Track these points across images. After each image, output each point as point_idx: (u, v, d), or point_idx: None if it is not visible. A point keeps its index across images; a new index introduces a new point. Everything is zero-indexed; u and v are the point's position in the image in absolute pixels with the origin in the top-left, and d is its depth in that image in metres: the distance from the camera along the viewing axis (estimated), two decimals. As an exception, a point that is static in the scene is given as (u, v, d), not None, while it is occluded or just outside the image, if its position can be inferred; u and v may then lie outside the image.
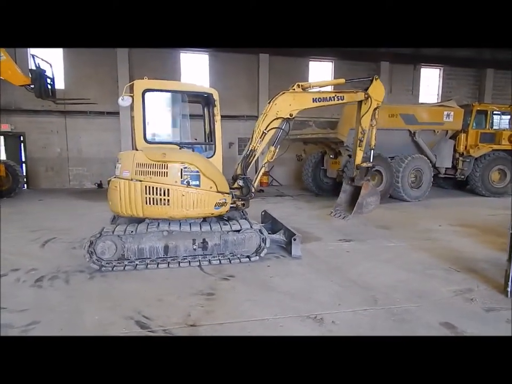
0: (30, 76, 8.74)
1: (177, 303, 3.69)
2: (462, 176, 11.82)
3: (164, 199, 4.68)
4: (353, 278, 4.40)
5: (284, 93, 5.60)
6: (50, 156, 14.06)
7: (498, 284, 4.07)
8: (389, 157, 10.43)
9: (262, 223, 6.14)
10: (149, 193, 4.64)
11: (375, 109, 6.52)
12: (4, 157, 12.78)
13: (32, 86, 8.73)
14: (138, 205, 4.66)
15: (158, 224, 4.81)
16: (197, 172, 4.80)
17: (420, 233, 6.70)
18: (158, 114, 5.32)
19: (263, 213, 6.79)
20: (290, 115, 5.60)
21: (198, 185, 4.82)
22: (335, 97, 6.00)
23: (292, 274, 4.57)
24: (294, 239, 5.17)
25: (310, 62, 15.74)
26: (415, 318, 3.38)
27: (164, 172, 4.68)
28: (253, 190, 5.51)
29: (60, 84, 12.20)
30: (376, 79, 6.45)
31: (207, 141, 5.87)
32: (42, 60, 8.94)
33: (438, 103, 13.84)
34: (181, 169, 4.73)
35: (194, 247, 4.90)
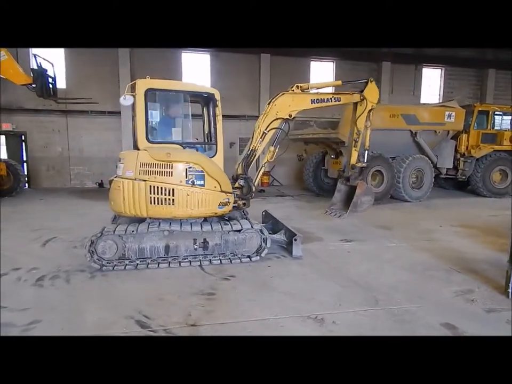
0: (32, 75, 8.75)
1: (177, 302, 3.69)
2: (463, 177, 11.80)
3: (169, 199, 4.69)
4: (354, 278, 4.40)
5: (283, 94, 5.69)
6: (52, 155, 14.07)
7: (499, 284, 4.07)
8: (390, 157, 10.42)
9: (262, 223, 6.14)
10: (154, 193, 4.65)
11: (370, 110, 6.69)
12: (5, 156, 12.79)
13: (33, 85, 8.74)
14: (142, 205, 4.66)
15: (159, 224, 4.81)
16: (202, 171, 4.83)
17: (420, 233, 6.70)
18: (160, 113, 5.32)
19: (263, 213, 6.80)
20: (290, 115, 5.68)
21: (203, 185, 4.84)
22: (332, 98, 6.14)
23: (293, 274, 4.57)
24: (295, 239, 5.17)
25: (311, 62, 15.73)
26: (416, 318, 3.38)
27: (169, 172, 4.69)
28: (254, 189, 5.53)
29: (61, 83, 12.21)
30: (371, 81, 6.69)
31: (206, 140, 5.88)
32: (44, 59, 8.96)
33: (439, 103, 13.82)
34: (186, 169, 4.75)
35: (195, 246, 4.90)
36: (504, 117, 12.12)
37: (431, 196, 11.04)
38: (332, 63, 15.96)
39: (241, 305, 3.66)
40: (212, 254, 4.97)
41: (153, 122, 5.17)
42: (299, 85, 5.86)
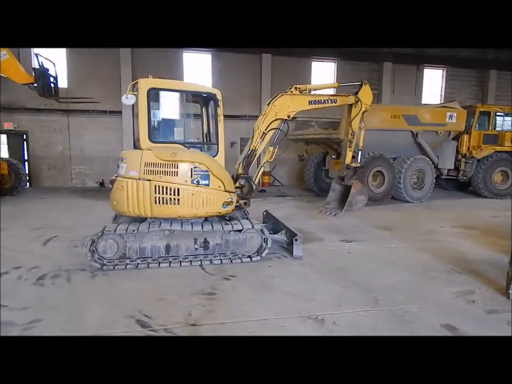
0: (33, 74, 8.77)
1: (178, 302, 3.70)
2: (465, 178, 11.79)
3: (174, 199, 4.70)
4: (355, 279, 4.40)
5: (282, 95, 5.84)
6: (53, 154, 14.10)
7: (499, 286, 4.06)
8: (391, 158, 10.41)
9: (263, 223, 6.14)
10: (159, 193, 4.65)
11: (364, 112, 6.96)
12: (6, 155, 12.81)
13: (35, 85, 8.76)
14: (146, 205, 4.66)
15: (160, 224, 4.82)
16: (206, 171, 4.85)
17: (421, 234, 6.69)
18: (162, 113, 5.32)
19: (264, 213, 6.80)
20: (288, 116, 5.81)
21: (208, 185, 4.87)
22: (329, 100, 6.38)
23: (293, 274, 4.56)
24: (296, 240, 5.17)
25: (313, 63, 15.72)
26: (416, 319, 3.37)
27: (174, 172, 4.70)
28: (254, 188, 5.58)
29: (62, 83, 12.22)
30: (365, 84, 6.94)
31: (205, 140, 5.89)
32: (45, 58, 8.98)
33: (440, 104, 13.81)
34: (191, 169, 4.77)
35: (196, 246, 4.90)
36: (506, 118, 12.10)
37: (432, 197, 11.03)
38: (333, 63, 15.96)
39: (241, 305, 3.66)
40: (212, 254, 4.97)
41: (156, 122, 5.16)
42: (297, 86, 6.03)
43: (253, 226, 5.06)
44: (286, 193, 12.69)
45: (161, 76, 4.92)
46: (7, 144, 13.73)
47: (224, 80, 14.56)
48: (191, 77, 14.55)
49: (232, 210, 5.28)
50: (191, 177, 4.77)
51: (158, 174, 4.66)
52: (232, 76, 14.84)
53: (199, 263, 4.82)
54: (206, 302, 3.72)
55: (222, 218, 5.36)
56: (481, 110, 11.72)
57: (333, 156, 11.24)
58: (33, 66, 9.32)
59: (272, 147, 5.77)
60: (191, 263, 4.79)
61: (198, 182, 4.79)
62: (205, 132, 5.94)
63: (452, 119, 10.83)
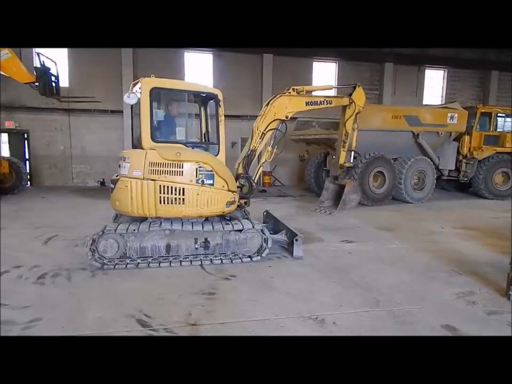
0: (35, 73, 8.77)
1: (178, 302, 3.70)
2: (465, 179, 11.77)
3: (179, 198, 4.70)
4: (355, 279, 4.40)
5: (280, 96, 6.00)
6: (54, 153, 14.11)
7: (500, 287, 4.06)
8: (392, 158, 10.40)
9: (263, 223, 6.14)
10: (163, 193, 4.66)
11: (357, 113, 7.25)
12: (7, 154, 12.83)
13: (36, 84, 8.76)
14: (151, 205, 4.65)
15: (160, 223, 4.82)
16: (211, 171, 4.87)
17: (422, 235, 6.69)
18: (164, 112, 5.31)
19: (265, 213, 6.80)
20: (286, 117, 5.96)
21: (212, 184, 4.89)
22: (325, 101, 6.61)
23: (294, 274, 4.56)
24: (296, 240, 5.17)
25: (314, 63, 15.72)
26: (417, 320, 3.37)
27: (179, 171, 4.71)
28: (254, 188, 5.66)
29: (64, 82, 12.22)
30: (358, 86, 7.22)
31: (203, 140, 5.90)
32: (47, 57, 8.98)
33: (442, 104, 13.80)
34: (196, 169, 4.78)
35: (196, 246, 4.91)
36: (507, 119, 12.07)
37: (433, 198, 11.02)
38: (335, 63, 15.94)
39: (241, 305, 3.66)
40: (213, 254, 4.97)
41: (158, 122, 5.15)
42: (295, 87, 6.20)
43: (253, 226, 5.06)
44: (286, 194, 12.69)
45: (163, 75, 4.92)
46: (8, 143, 13.75)
47: (225, 80, 14.56)
48: (192, 77, 14.56)
49: (234, 209, 5.31)
50: (196, 177, 4.78)
51: (163, 173, 4.66)
52: (233, 75, 14.84)
53: (200, 262, 4.82)
54: (206, 301, 3.72)
55: (222, 218, 5.36)
56: (483, 111, 11.70)
57: (334, 156, 11.22)
58: (34, 66, 9.33)
59: (270, 147, 5.84)
60: (191, 262, 4.80)
61: (202, 181, 4.81)
62: (203, 132, 5.95)
63: (453, 120, 10.82)
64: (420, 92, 16.88)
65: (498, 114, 11.90)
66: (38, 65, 8.85)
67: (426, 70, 16.83)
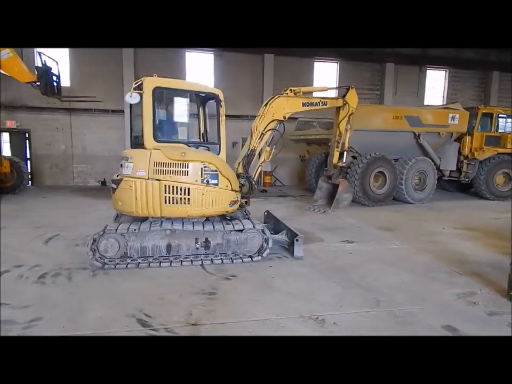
0: (36, 73, 8.78)
1: (179, 301, 3.70)
2: (467, 179, 11.76)
3: (184, 198, 4.72)
4: (356, 280, 4.40)
5: (278, 97, 6.15)
6: (55, 153, 14.13)
7: (501, 287, 4.05)
8: (393, 159, 10.39)
9: (264, 223, 6.15)
10: (169, 193, 4.67)
11: (350, 114, 7.51)
12: (9, 154, 12.84)
13: (38, 83, 8.77)
14: (156, 205, 4.66)
15: (161, 223, 4.83)
16: (216, 171, 4.90)
17: (423, 235, 6.68)
18: (166, 112, 5.31)
19: (265, 213, 6.81)
20: (284, 117, 6.07)
21: (217, 184, 4.92)
22: (320, 102, 6.80)
23: (294, 274, 4.56)
24: (297, 240, 5.17)
25: (315, 63, 15.71)
26: (417, 320, 3.37)
27: (185, 171, 4.72)
28: (255, 186, 5.74)
29: (65, 82, 12.25)
30: (351, 88, 7.47)
31: (201, 140, 5.91)
32: (48, 57, 8.99)
33: (443, 105, 13.79)
34: (201, 168, 4.80)
35: (197, 246, 4.91)
36: (508, 120, 12.06)
37: (434, 198, 11.01)
38: (336, 64, 15.94)
39: (242, 305, 3.66)
40: (213, 254, 4.97)
41: (160, 121, 5.14)
42: (292, 88, 6.36)
43: (254, 226, 5.06)
44: (287, 194, 12.69)
45: (164, 75, 4.91)
46: (10, 142, 13.78)
47: (226, 80, 14.57)
48: (193, 76, 14.56)
49: (236, 208, 5.34)
50: (201, 176, 4.81)
51: (168, 173, 4.67)
52: (234, 75, 14.84)
53: (200, 262, 4.82)
54: (207, 301, 3.72)
55: (223, 218, 5.36)
56: (484, 111, 11.69)
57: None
58: (36, 65, 9.33)
59: (269, 147, 5.92)
60: (192, 262, 4.80)
61: (207, 181, 4.84)
62: (201, 132, 5.95)
63: (454, 120, 10.81)
64: (421, 92, 16.86)
65: (500, 115, 11.88)
66: (40, 65, 8.86)
67: (427, 71, 16.82)
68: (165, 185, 4.65)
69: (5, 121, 13.23)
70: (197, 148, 5.16)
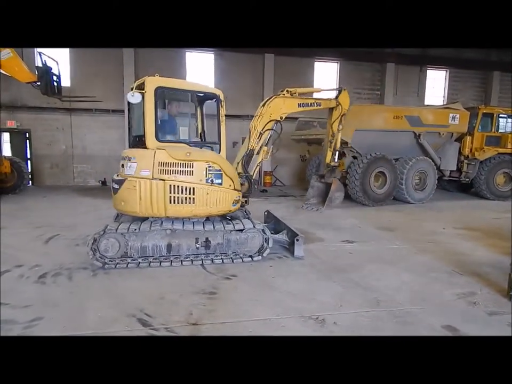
0: (37, 73, 8.78)
1: (179, 301, 3.70)
2: (467, 179, 11.76)
3: (189, 198, 4.74)
4: (356, 280, 4.40)
5: (275, 98, 6.27)
6: (55, 153, 14.14)
7: (501, 288, 4.05)
8: (393, 159, 10.39)
9: (264, 223, 6.15)
10: (174, 192, 4.67)
11: (342, 115, 7.71)
12: (9, 154, 12.85)
13: (38, 83, 8.77)
14: (160, 205, 4.66)
15: (161, 223, 4.83)
16: (219, 170, 4.93)
17: (423, 235, 6.68)
18: (168, 112, 5.30)
19: (266, 213, 6.81)
20: (281, 117, 6.18)
21: (220, 184, 4.95)
22: (315, 103, 6.97)
23: (294, 274, 4.57)
24: (297, 240, 5.17)
25: (315, 63, 15.71)
26: (418, 320, 3.37)
27: (190, 171, 4.74)
28: (255, 185, 5.83)
29: (65, 81, 12.26)
30: (344, 90, 7.71)
31: (200, 139, 5.91)
32: (48, 57, 8.99)
33: (443, 105, 13.78)
34: (206, 168, 4.83)
35: (197, 246, 4.91)
36: (509, 120, 12.05)
37: (434, 198, 11.01)
38: (336, 63, 15.94)
39: (242, 304, 3.66)
40: (213, 253, 4.97)
41: (162, 121, 5.12)
42: (288, 89, 6.51)
43: (254, 226, 5.06)
44: (287, 193, 12.69)
45: (164, 75, 4.91)
46: (10, 142, 13.79)
47: (227, 79, 14.57)
48: (194, 76, 14.57)
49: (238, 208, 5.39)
50: (206, 176, 4.83)
51: (173, 173, 4.68)
52: (235, 75, 14.85)
53: (201, 262, 4.82)
54: (207, 301, 3.72)
55: (223, 217, 5.37)
56: (484, 111, 11.68)
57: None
58: (36, 65, 9.33)
59: (266, 147, 5.97)
60: (192, 262, 4.80)
61: (212, 181, 4.87)
62: (199, 132, 5.96)
63: (454, 120, 10.81)
64: (422, 92, 16.86)
65: (500, 115, 11.88)
66: (40, 65, 8.86)
67: (428, 70, 16.81)
68: (170, 185, 4.66)
69: (5, 121, 13.24)
70: (201, 147, 5.17)
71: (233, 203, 5.14)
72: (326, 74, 15.88)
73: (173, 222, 4.82)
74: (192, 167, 4.75)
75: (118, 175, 5.02)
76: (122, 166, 4.90)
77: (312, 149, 13.95)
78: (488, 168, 11.38)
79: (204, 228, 4.90)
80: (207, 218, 5.21)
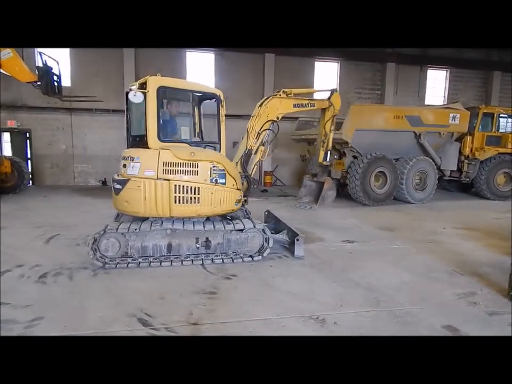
0: (37, 73, 8.78)
1: (179, 301, 3.70)
2: (467, 179, 11.76)
3: (195, 198, 4.76)
4: (356, 279, 4.40)
5: (272, 98, 6.37)
6: (56, 152, 14.14)
7: (502, 288, 4.05)
8: (394, 159, 10.39)
9: (265, 223, 6.15)
10: (179, 192, 4.69)
11: (334, 116, 7.94)
12: (10, 153, 12.86)
13: (38, 83, 8.77)
14: (165, 205, 4.67)
15: (162, 223, 4.83)
16: (223, 170, 4.96)
17: (423, 235, 6.68)
18: (170, 112, 5.30)
19: (266, 213, 6.81)
20: (277, 117, 6.28)
21: (224, 183, 4.99)
22: (309, 104, 7.12)
23: (295, 274, 4.57)
24: (297, 239, 5.17)
25: (316, 62, 15.70)
26: (418, 320, 3.37)
27: (195, 171, 4.76)
28: (254, 184, 5.90)
29: (66, 81, 12.28)
30: (336, 91, 7.89)
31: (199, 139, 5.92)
32: (49, 57, 8.99)
33: (444, 105, 13.77)
34: (210, 168, 4.86)
35: (198, 245, 4.91)
36: (509, 120, 12.04)
37: (435, 198, 11.01)
38: (337, 63, 15.93)
39: (243, 304, 3.66)
40: (214, 253, 4.97)
41: (164, 121, 5.11)
42: (284, 90, 6.66)
43: (254, 226, 5.07)
44: (288, 193, 12.69)
45: (164, 75, 4.91)
46: (10, 142, 13.80)
47: (227, 79, 14.57)
48: (194, 76, 14.56)
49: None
50: (210, 176, 4.86)
51: (178, 173, 4.70)
52: (235, 75, 14.84)
53: (201, 262, 4.83)
54: (208, 301, 3.72)
55: (223, 217, 5.37)
56: (485, 111, 11.68)
57: (335, 156, 11.23)
58: (37, 65, 9.33)
59: (263, 146, 6.03)
60: (192, 262, 4.80)
61: (216, 180, 4.90)
62: (197, 131, 5.95)
63: (455, 120, 10.81)
64: (422, 92, 16.85)
65: (501, 115, 11.87)
66: (40, 65, 8.85)
67: (428, 70, 16.80)
68: (175, 185, 4.67)
69: (5, 121, 13.25)
70: (204, 147, 5.18)
71: (235, 202, 5.17)
72: (326, 74, 15.87)
73: (173, 222, 4.82)
74: (197, 167, 4.78)
75: (118, 175, 5.01)
76: (124, 166, 4.86)
77: (312, 148, 13.85)
78: (488, 168, 11.38)
79: (204, 227, 4.90)
80: (208, 218, 5.21)
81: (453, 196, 12.47)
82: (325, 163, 8.49)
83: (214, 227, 4.92)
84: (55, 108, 13.44)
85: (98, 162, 14.39)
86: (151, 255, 4.79)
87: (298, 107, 6.80)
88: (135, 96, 4.58)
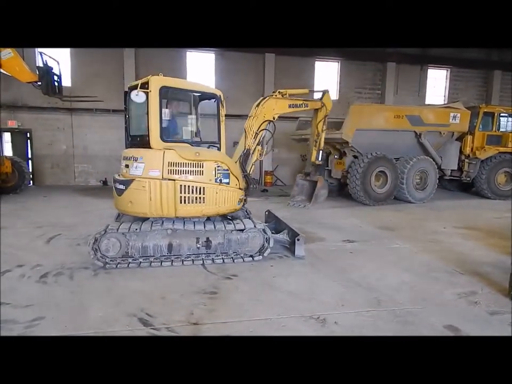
0: (38, 73, 8.78)
1: (180, 301, 3.70)
2: (468, 178, 11.75)
3: (200, 197, 4.79)
4: (356, 279, 4.40)
5: (268, 99, 6.43)
6: (56, 152, 14.15)
7: (502, 287, 4.05)
8: (394, 158, 10.38)
9: (265, 223, 6.15)
10: (184, 192, 4.70)
11: (326, 116, 8.06)
12: (10, 153, 12.87)
13: (39, 83, 8.77)
14: (171, 205, 4.68)
15: (162, 222, 4.83)
16: (227, 170, 5.01)
17: (424, 235, 6.68)
18: (172, 112, 5.29)
19: (266, 213, 6.82)
20: (273, 118, 6.35)
21: (228, 183, 5.03)
22: (303, 104, 7.16)
23: (295, 274, 4.57)
24: (298, 239, 5.17)
25: (316, 62, 15.69)
26: (419, 320, 3.37)
27: (200, 171, 4.79)
28: (254, 184, 5.93)
29: (66, 81, 12.28)
30: (327, 92, 7.97)
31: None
32: (49, 57, 8.99)
33: (444, 104, 13.76)
34: (215, 168, 4.90)
35: (198, 245, 4.91)
36: (510, 119, 12.03)
37: (435, 197, 11.00)
38: (337, 63, 15.92)
39: (243, 304, 3.66)
40: (214, 253, 4.98)
41: (166, 121, 5.08)
42: (280, 91, 6.71)
43: (255, 226, 5.07)
44: (288, 193, 12.62)
45: (165, 74, 4.90)
46: (11, 142, 13.80)
47: (227, 79, 14.58)
48: (195, 76, 14.56)
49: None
50: (215, 176, 4.90)
51: (183, 173, 4.72)
52: (235, 75, 14.84)
53: (201, 262, 4.83)
54: (208, 301, 3.73)
55: (224, 217, 5.37)
56: (485, 110, 11.66)
57: (336, 156, 11.23)
58: (37, 65, 9.33)
59: (260, 146, 6.06)
60: (193, 262, 4.80)
61: (220, 180, 4.94)
62: (194, 131, 5.95)
63: (455, 119, 10.80)
64: (423, 92, 16.84)
65: (501, 114, 11.86)
66: (41, 65, 8.85)
67: (428, 70, 16.79)
68: (180, 185, 4.68)
69: (6, 121, 13.25)
70: (208, 147, 5.20)
71: (238, 202, 5.23)
72: (326, 74, 15.86)
73: (173, 222, 4.82)
74: (202, 167, 4.81)
75: (120, 175, 5.00)
76: (127, 166, 4.85)
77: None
78: (489, 168, 11.37)
79: (204, 227, 4.90)
80: (208, 218, 5.21)
81: (454, 195, 12.46)
82: (317, 162, 8.58)
83: (215, 227, 4.92)
84: (55, 108, 13.45)
85: (99, 162, 14.40)
86: (152, 255, 4.79)
87: (293, 107, 6.89)
88: (137, 96, 4.57)
